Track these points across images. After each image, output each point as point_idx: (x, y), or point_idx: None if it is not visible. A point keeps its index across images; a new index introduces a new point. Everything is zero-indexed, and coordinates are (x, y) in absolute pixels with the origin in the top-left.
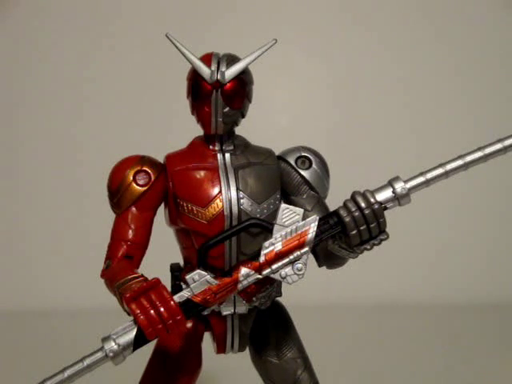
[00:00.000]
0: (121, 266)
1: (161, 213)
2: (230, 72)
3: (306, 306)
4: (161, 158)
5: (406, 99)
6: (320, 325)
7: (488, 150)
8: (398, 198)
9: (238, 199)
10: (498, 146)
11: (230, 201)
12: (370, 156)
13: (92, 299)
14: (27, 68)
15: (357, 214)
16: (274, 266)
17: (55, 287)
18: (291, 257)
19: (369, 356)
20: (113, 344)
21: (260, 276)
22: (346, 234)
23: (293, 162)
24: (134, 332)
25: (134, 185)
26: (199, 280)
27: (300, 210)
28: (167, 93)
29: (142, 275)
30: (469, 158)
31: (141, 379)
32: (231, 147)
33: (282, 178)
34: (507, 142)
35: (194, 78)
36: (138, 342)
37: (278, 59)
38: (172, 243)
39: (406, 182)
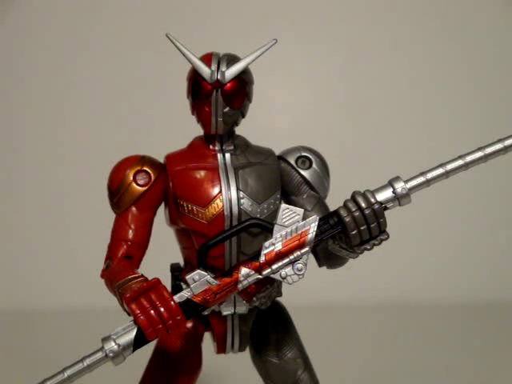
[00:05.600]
0: (121, 266)
1: (161, 213)
2: (231, 72)
3: (306, 306)
4: (161, 158)
5: (406, 99)
6: (320, 325)
7: (488, 150)
8: (398, 198)
9: (238, 199)
10: (499, 145)
11: (230, 201)
12: (371, 156)
13: (92, 299)
14: (26, 67)
15: (357, 213)
16: (274, 266)
17: (55, 287)
18: (291, 257)
19: (369, 356)
20: (113, 344)
21: (260, 276)
22: (347, 234)
23: (293, 162)
24: (134, 332)
25: (134, 185)
26: (199, 280)
27: (300, 210)
28: (167, 93)
29: (142, 275)
30: (469, 158)
31: (141, 379)
32: (231, 147)
33: (283, 177)
34: (508, 142)
35: (194, 77)
36: (138, 342)
37: (278, 59)
38: (172, 243)
39: (406, 182)
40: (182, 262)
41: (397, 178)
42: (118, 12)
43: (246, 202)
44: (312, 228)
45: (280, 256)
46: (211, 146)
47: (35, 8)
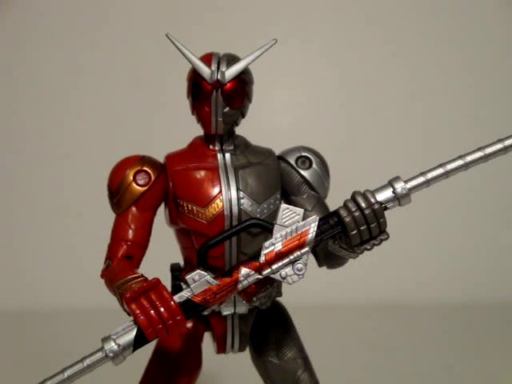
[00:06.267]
0: (121, 266)
1: (161, 213)
2: (231, 72)
3: (306, 306)
4: (161, 158)
5: (406, 99)
6: (320, 325)
7: (488, 150)
8: (398, 198)
9: (238, 199)
10: (499, 145)
11: (230, 201)
12: (371, 156)
13: (92, 299)
14: (26, 67)
15: (357, 214)
16: (274, 266)
17: (55, 287)
18: (291, 257)
19: (369, 356)
20: (113, 344)
21: (260, 276)
22: (347, 234)
23: (293, 162)
24: (134, 332)
25: (134, 185)
26: (199, 280)
27: (300, 210)
28: (167, 93)
29: (142, 275)
30: (469, 158)
31: (141, 379)
32: (231, 147)
33: (283, 177)
34: (508, 142)
35: (194, 77)
36: (138, 342)
37: (278, 59)
38: (172, 243)
39: (406, 182)
40: (182, 262)
41: (397, 178)
42: (119, 12)
43: (246, 202)
44: (312, 228)
45: (280, 256)
46: (211, 146)
47: (37, 8)
